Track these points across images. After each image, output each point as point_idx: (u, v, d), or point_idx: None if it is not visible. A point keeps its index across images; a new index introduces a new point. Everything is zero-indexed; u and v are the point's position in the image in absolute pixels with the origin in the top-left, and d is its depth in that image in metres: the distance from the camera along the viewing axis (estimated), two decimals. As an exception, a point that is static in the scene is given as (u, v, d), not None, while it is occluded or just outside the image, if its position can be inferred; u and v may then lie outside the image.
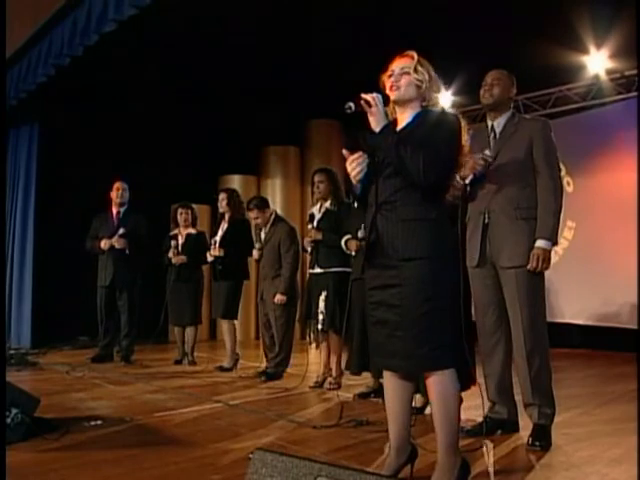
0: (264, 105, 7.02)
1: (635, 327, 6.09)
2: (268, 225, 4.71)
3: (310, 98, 7.15)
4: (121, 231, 5.36)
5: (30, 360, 5.40)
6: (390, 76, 2.17)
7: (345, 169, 2.16)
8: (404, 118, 2.17)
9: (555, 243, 2.75)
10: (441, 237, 2.08)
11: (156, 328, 5.54)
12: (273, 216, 4.78)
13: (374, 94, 2.12)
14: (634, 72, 6.55)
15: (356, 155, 2.10)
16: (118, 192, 5.51)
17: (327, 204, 4.31)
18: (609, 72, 6.74)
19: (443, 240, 2.08)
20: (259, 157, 8.61)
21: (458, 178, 2.64)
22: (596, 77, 6.83)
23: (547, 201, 2.73)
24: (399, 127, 2.17)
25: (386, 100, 2.14)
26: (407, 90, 2.14)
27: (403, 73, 2.14)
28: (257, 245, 4.69)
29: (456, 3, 5.14)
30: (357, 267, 3.82)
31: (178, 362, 5.51)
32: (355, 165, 2.10)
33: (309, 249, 4.32)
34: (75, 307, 6.54)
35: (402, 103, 2.17)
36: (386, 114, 2.12)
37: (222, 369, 4.97)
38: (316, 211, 4.38)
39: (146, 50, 5.70)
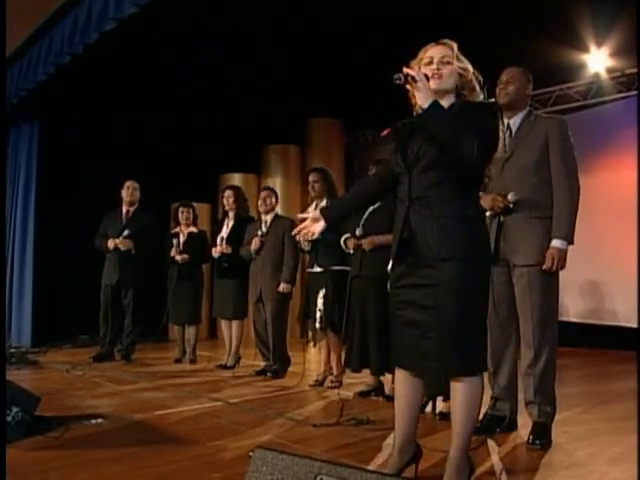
0: (264, 104, 7.02)
1: (635, 326, 6.10)
2: (270, 216, 4.72)
3: (310, 97, 7.15)
4: (126, 232, 5.34)
5: (30, 359, 5.40)
6: (429, 64, 2.08)
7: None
8: None
9: (571, 242, 2.72)
10: (476, 236, 2.02)
11: (159, 326, 5.54)
12: (275, 211, 4.78)
13: (418, 70, 2.03)
14: (634, 70, 6.55)
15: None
16: (128, 191, 5.49)
17: (323, 203, 4.31)
18: (609, 70, 6.74)
19: (478, 239, 2.03)
20: (259, 156, 8.62)
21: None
22: (596, 75, 6.84)
23: (563, 200, 2.71)
24: None
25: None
26: (449, 79, 2.07)
27: (445, 62, 2.07)
28: (259, 233, 4.67)
29: (455, 2, 5.15)
30: (355, 265, 3.83)
31: (178, 361, 5.52)
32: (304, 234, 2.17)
33: (307, 249, 4.32)
34: (75, 306, 6.55)
35: (441, 93, 2.06)
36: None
37: (224, 367, 4.98)
38: (312, 210, 4.38)
39: (146, 48, 5.69)
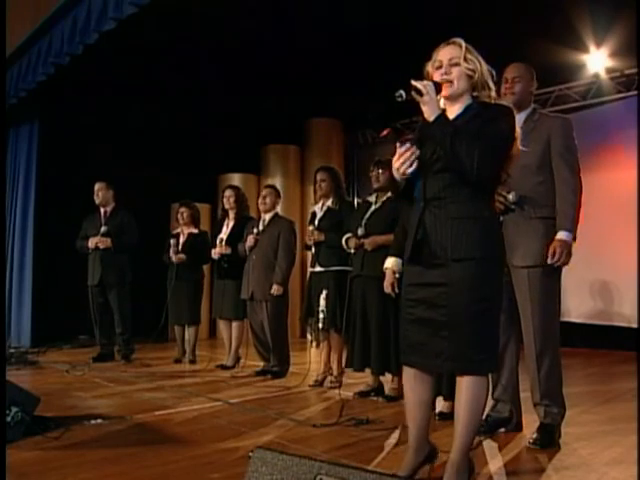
0: (264, 104, 7.02)
1: (635, 326, 6.10)
2: (269, 215, 4.71)
3: (310, 97, 7.15)
4: (103, 229, 5.36)
5: (30, 359, 5.41)
6: (439, 68, 2.05)
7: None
8: (454, 110, 2.07)
9: (574, 238, 2.68)
10: (491, 236, 2.01)
11: (157, 327, 5.53)
12: (276, 211, 4.78)
13: (426, 82, 1.99)
14: (634, 71, 6.55)
15: (405, 148, 1.99)
16: (96, 193, 5.53)
17: (329, 202, 4.32)
18: (609, 71, 6.74)
19: (493, 239, 2.02)
20: (259, 156, 8.62)
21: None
22: (596, 76, 6.84)
23: (566, 194, 2.67)
24: (450, 118, 2.06)
25: (436, 88, 2.02)
26: (460, 83, 2.03)
27: (453, 64, 2.02)
28: (254, 231, 4.65)
29: (455, 2, 5.15)
30: (357, 265, 3.83)
31: (178, 361, 5.51)
32: (404, 160, 1.99)
33: (310, 243, 4.32)
34: (75, 306, 6.53)
35: (455, 97, 2.05)
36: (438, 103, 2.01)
37: (223, 367, 4.98)
38: (318, 209, 4.39)
39: (146, 49, 5.69)
